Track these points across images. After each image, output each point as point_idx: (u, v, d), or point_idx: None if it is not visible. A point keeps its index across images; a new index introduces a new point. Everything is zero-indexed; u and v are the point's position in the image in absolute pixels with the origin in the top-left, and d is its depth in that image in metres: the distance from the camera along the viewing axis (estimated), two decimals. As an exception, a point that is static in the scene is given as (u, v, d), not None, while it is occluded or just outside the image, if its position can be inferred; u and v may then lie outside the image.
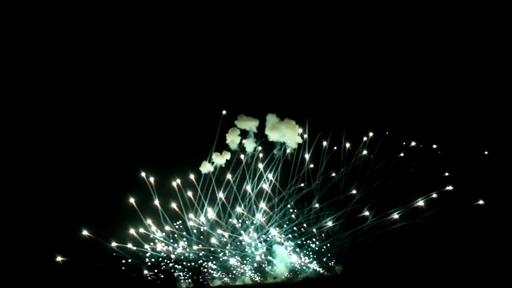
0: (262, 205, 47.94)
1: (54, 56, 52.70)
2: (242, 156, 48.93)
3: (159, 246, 47.88)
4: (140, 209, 46.86)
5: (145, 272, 46.88)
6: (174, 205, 47.33)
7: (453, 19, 52.40)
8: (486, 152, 48.55)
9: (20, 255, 45.23)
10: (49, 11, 51.81)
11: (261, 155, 48.93)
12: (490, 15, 50.50)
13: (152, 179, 46.89)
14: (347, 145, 48.60)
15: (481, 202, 45.08)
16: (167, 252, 48.06)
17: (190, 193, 48.00)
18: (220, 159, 49.10)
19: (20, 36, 51.54)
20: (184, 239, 48.19)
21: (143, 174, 46.97)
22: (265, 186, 47.89)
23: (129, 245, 46.36)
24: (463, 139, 49.25)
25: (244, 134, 49.18)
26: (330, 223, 47.22)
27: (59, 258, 42.19)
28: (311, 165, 48.49)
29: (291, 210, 48.42)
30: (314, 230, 47.88)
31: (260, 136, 48.54)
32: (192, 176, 48.40)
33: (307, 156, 48.40)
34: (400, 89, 52.69)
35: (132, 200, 46.18)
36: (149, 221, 47.15)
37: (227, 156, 49.10)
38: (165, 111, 52.79)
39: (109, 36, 54.23)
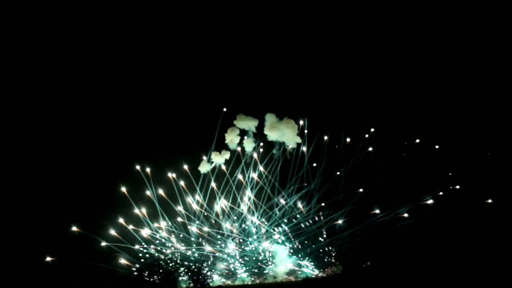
0: (248, 192, 47.85)
1: (46, 49, 52.48)
2: (239, 149, 48.87)
3: (159, 246, 47.84)
4: (139, 209, 47.16)
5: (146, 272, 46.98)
6: (173, 205, 47.59)
7: (456, 18, 51.81)
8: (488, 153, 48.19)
9: (18, 255, 45.21)
10: (48, 10, 51.79)
11: (261, 150, 48.86)
12: (491, 15, 49.91)
13: (149, 173, 47.24)
14: (348, 139, 48.31)
15: (489, 201, 45.12)
16: (165, 250, 48.01)
17: (189, 193, 48.16)
18: (219, 158, 48.97)
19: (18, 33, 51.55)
20: (181, 235, 48.17)
21: (144, 177, 47.55)
22: (254, 175, 47.82)
23: (129, 245, 46.49)
24: (465, 139, 48.71)
25: (243, 133, 49.10)
26: (340, 221, 46.91)
27: (58, 258, 42.27)
28: (314, 164, 48.28)
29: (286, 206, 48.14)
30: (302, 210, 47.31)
31: (260, 135, 48.49)
32: (191, 177, 48.47)
33: (304, 149, 48.20)
34: (401, 88, 52.12)
35: (131, 201, 46.58)
36: (148, 220, 47.34)
37: (227, 155, 48.96)
38: (163, 111, 52.52)
39: (109, 32, 54.01)
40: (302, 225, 48.20)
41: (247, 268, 48.05)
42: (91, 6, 52.87)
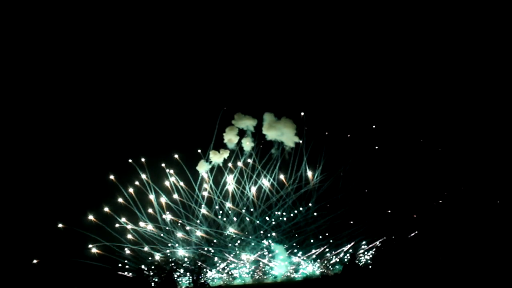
0: (230, 185, 47.38)
1: (45, 46, 52.10)
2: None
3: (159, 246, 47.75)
4: (138, 209, 47.14)
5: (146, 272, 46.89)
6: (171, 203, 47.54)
7: (460, 17, 50.89)
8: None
9: (19, 256, 45.30)
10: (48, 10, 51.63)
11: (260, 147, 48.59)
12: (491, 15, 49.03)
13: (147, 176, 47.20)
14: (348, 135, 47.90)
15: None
16: (167, 251, 47.88)
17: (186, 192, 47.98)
18: (218, 157, 48.59)
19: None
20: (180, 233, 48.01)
21: (141, 175, 47.28)
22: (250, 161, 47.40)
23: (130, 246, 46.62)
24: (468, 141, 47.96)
25: (242, 133, 48.59)
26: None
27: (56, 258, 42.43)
28: (319, 166, 47.77)
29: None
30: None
31: (258, 135, 48.02)
32: (189, 176, 48.22)
33: (300, 140, 47.78)
34: (400, 87, 51.40)
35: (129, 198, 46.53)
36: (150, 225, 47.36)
37: (225, 154, 48.57)
38: (161, 109, 52.11)
39: (108, 30, 53.54)
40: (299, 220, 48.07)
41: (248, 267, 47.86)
42: (91, 5, 52.78)
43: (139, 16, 54.09)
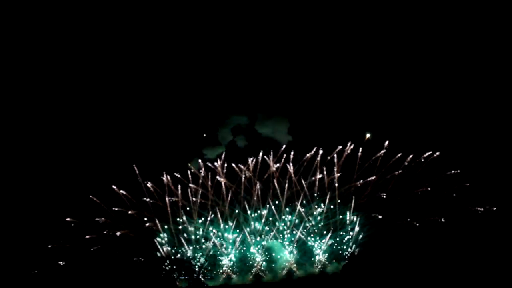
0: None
1: (45, 50, 52.62)
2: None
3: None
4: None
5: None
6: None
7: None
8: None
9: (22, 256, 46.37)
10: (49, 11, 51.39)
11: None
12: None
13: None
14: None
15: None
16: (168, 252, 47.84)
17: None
18: (212, 154, 48.09)
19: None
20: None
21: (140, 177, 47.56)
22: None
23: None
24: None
25: (236, 131, 48.18)
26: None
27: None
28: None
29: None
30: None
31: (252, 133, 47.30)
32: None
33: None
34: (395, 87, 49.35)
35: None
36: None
37: (219, 151, 48.05)
38: (157, 110, 51.91)
39: (107, 34, 53.48)
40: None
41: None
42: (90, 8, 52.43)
43: (131, 17, 53.60)
